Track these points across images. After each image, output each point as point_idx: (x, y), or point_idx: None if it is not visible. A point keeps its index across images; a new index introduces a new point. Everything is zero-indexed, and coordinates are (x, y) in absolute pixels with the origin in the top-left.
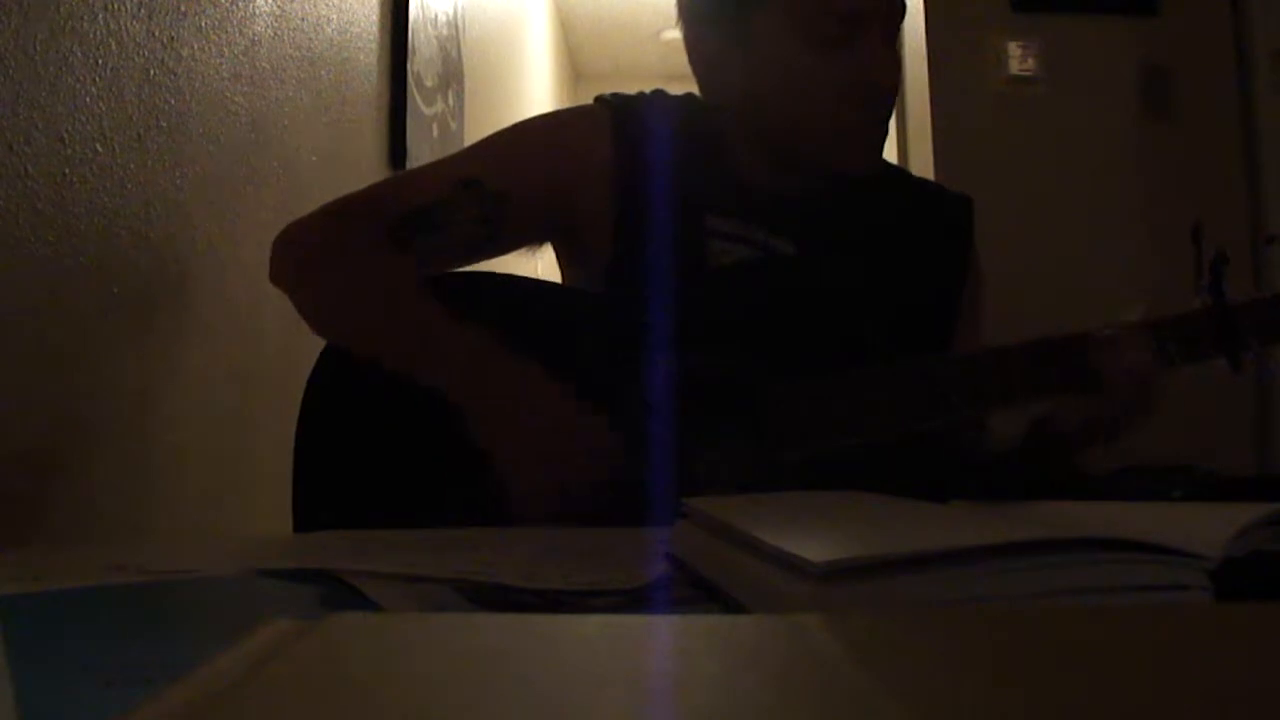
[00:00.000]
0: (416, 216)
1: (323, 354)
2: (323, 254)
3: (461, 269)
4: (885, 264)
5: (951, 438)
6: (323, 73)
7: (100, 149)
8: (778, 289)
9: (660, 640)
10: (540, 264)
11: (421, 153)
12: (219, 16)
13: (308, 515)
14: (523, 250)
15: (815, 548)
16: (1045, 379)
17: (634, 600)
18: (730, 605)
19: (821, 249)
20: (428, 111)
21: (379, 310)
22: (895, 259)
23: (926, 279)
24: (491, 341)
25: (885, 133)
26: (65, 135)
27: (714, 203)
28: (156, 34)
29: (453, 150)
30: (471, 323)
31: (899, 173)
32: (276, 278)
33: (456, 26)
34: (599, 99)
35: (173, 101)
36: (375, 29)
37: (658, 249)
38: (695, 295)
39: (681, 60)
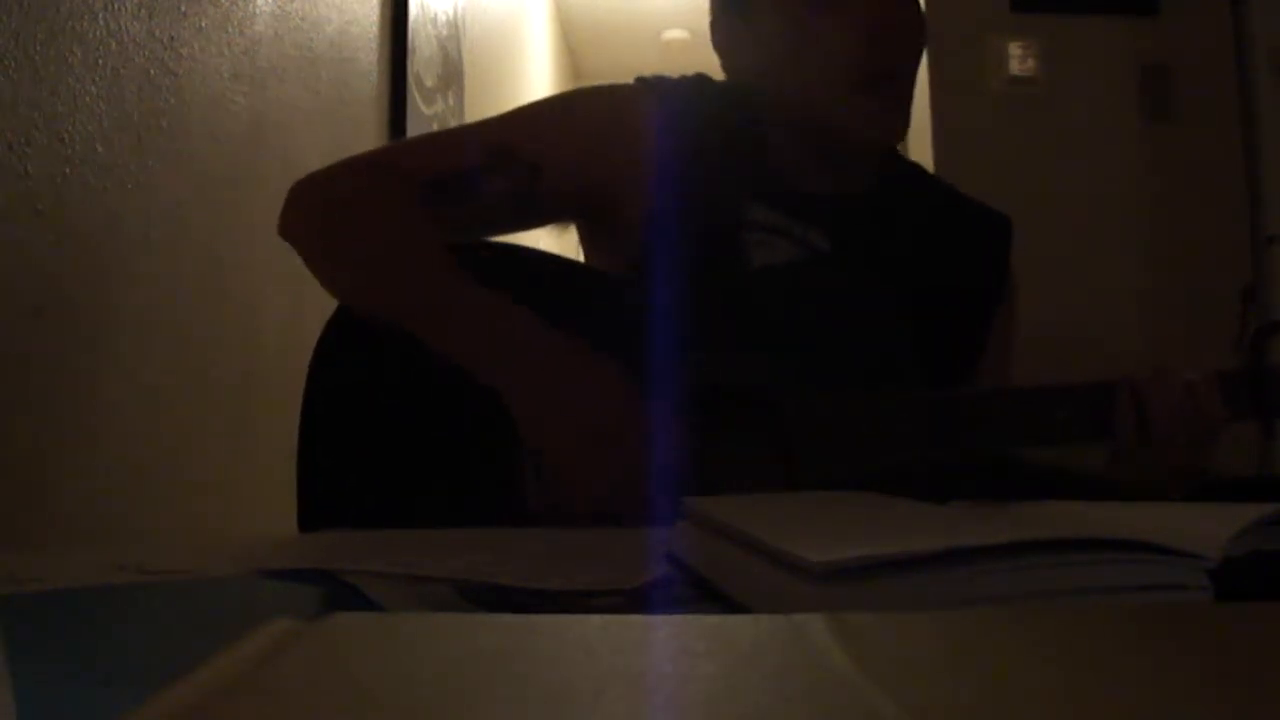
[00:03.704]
0: (446, 181)
1: (322, 340)
2: (349, 207)
3: (481, 240)
4: (921, 271)
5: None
6: (323, 73)
7: (100, 149)
8: (816, 294)
9: (660, 640)
10: (547, 242)
11: None
12: (219, 16)
13: (312, 510)
14: (550, 227)
15: (815, 548)
16: (1083, 423)
17: (634, 600)
18: (730, 605)
19: (858, 249)
20: (427, 111)
21: (406, 271)
22: (932, 267)
23: (962, 291)
24: (535, 316)
25: (907, 91)
26: (65, 135)
27: (753, 194)
28: (156, 34)
29: None
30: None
31: (939, 182)
32: (290, 230)
33: (456, 26)
34: (641, 80)
35: (173, 101)
36: (375, 29)
37: (693, 238)
38: (731, 294)
39: (681, 61)
